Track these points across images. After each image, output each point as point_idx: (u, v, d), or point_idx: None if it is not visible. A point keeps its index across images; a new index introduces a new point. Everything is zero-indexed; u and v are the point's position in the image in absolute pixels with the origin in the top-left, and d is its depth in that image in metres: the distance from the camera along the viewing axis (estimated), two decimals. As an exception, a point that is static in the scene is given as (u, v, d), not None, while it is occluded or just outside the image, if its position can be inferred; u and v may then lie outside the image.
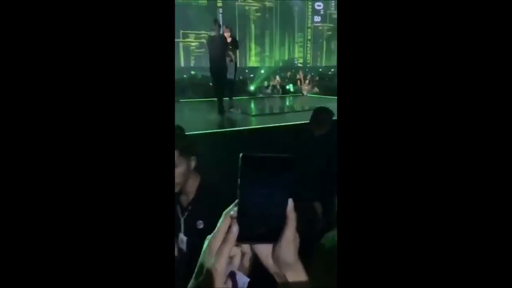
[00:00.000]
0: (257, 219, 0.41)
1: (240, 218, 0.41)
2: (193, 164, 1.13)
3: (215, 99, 4.99)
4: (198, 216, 1.14)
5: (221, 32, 4.71)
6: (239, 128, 3.92)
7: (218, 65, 4.64)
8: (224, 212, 0.42)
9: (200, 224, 1.14)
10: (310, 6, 13.86)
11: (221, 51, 4.58)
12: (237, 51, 5.07)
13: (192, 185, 1.16)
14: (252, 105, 6.22)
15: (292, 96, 8.35)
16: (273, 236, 0.42)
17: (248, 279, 0.47)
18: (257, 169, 0.39)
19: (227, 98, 5.18)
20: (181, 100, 6.31)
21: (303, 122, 4.22)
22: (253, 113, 5.19)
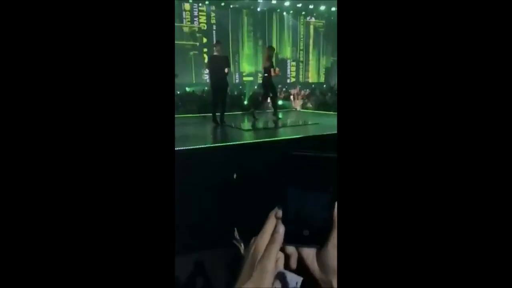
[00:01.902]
0: (302, 221, 0.40)
1: (285, 219, 0.41)
2: None
3: (209, 114, 5.29)
4: None
5: (220, 52, 5.21)
6: (232, 143, 3.91)
7: (220, 82, 5.16)
8: (270, 213, 0.42)
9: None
10: (302, 21, 14.13)
11: (222, 69, 5.07)
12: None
13: None
14: (245, 120, 6.26)
15: (285, 111, 8.44)
16: (319, 239, 0.40)
17: (301, 278, 0.45)
18: (301, 168, 0.39)
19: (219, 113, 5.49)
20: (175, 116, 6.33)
21: (296, 136, 4.25)
22: (246, 128, 5.21)
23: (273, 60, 5.67)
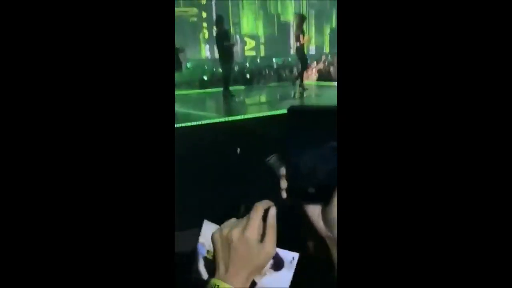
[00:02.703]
0: (306, 177, 0.39)
1: (289, 176, 0.40)
2: None
3: (211, 90, 5.79)
4: None
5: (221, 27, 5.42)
6: (235, 118, 3.89)
7: (227, 56, 5.42)
8: (255, 205, 0.44)
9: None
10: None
11: (227, 44, 5.33)
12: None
13: None
14: (249, 94, 6.24)
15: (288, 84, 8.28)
16: (324, 196, 0.39)
17: (297, 254, 0.46)
18: (304, 123, 0.37)
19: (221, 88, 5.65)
20: (176, 93, 6.33)
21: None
22: (250, 102, 5.18)
23: (304, 28, 5.64)
